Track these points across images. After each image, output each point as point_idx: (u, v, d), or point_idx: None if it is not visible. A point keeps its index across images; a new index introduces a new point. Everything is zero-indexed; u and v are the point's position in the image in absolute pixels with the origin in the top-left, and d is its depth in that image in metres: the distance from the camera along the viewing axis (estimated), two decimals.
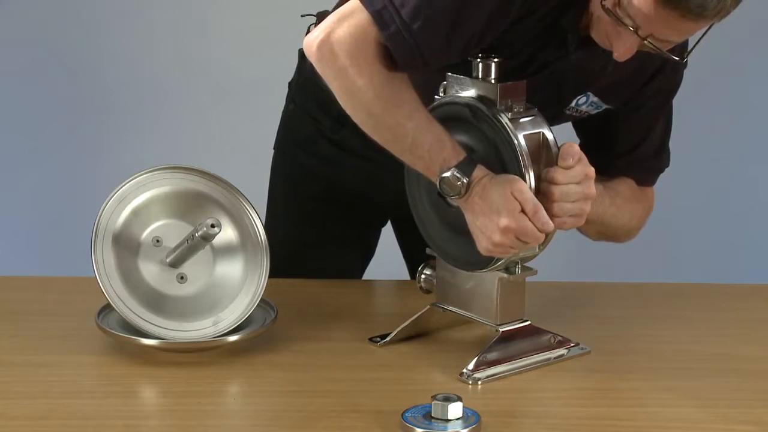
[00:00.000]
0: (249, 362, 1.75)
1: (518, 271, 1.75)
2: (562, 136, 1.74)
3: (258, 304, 1.80)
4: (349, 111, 1.70)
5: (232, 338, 1.76)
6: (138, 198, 1.80)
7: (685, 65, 1.85)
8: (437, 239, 1.79)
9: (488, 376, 1.71)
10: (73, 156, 3.58)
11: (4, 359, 1.75)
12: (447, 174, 1.64)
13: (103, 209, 1.78)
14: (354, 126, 1.71)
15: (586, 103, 1.83)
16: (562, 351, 1.80)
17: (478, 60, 1.71)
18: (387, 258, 2.25)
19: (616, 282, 2.18)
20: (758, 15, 3.45)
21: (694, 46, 1.69)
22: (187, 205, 1.82)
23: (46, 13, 3.52)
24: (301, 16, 2.05)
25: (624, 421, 1.60)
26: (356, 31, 1.66)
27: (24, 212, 3.59)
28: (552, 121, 1.76)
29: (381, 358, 1.78)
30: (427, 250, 1.82)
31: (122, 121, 3.59)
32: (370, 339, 1.83)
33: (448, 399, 1.52)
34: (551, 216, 1.66)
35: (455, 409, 1.51)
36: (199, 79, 3.56)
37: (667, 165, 1.96)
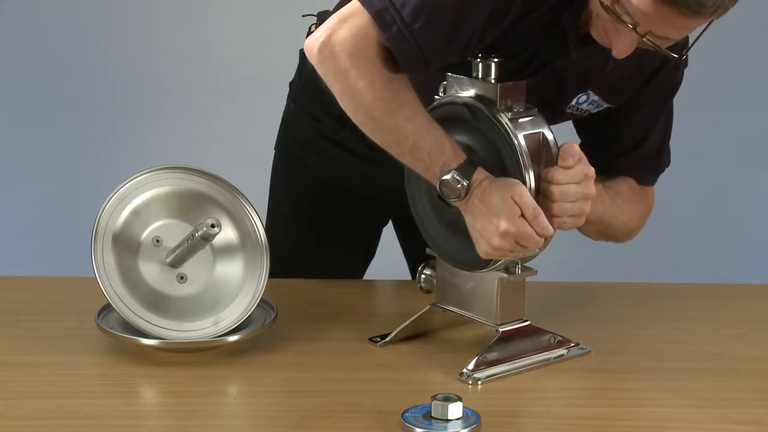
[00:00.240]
0: (249, 362, 1.75)
1: (518, 271, 1.75)
2: (563, 136, 1.74)
3: (258, 304, 1.80)
4: (349, 113, 1.70)
5: (232, 338, 1.76)
6: (138, 198, 1.80)
7: (685, 64, 1.85)
8: (437, 239, 1.79)
9: (488, 376, 1.71)
10: (73, 156, 3.58)
11: (4, 359, 1.75)
12: (447, 177, 1.64)
13: (103, 209, 1.78)
14: (355, 126, 1.71)
15: (586, 101, 1.84)
16: (562, 351, 1.80)
17: (478, 60, 1.71)
18: (388, 258, 2.25)
19: (616, 282, 2.18)
20: (759, 15, 3.46)
21: (693, 44, 1.69)
22: (187, 205, 1.82)
23: (47, 14, 3.52)
24: (303, 16, 2.05)
25: (624, 421, 1.60)
26: (357, 32, 1.65)
27: (24, 212, 3.59)
28: (552, 119, 1.76)
29: (381, 358, 1.78)
30: (427, 250, 1.82)
31: (122, 121, 3.59)
32: (370, 339, 1.83)
33: (448, 399, 1.52)
34: (551, 216, 1.66)
35: (455, 409, 1.51)
36: (199, 79, 3.56)
37: (668, 164, 1.96)
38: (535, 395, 1.70)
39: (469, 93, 1.72)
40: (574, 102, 1.83)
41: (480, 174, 1.65)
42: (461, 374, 1.70)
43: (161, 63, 3.56)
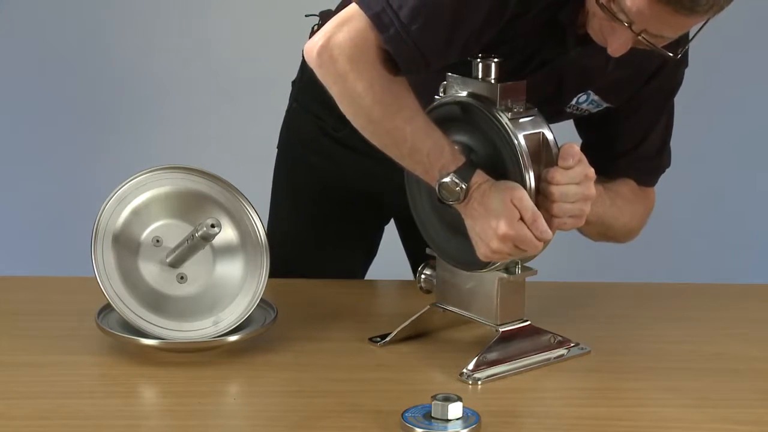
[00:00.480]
0: (249, 362, 1.75)
1: (518, 271, 1.75)
2: (563, 136, 1.74)
3: (258, 304, 1.80)
4: (349, 116, 1.70)
5: (232, 338, 1.76)
6: (138, 198, 1.80)
7: (685, 64, 1.85)
8: (437, 239, 1.79)
9: (488, 376, 1.71)
10: (74, 156, 3.58)
11: (4, 359, 1.75)
12: (446, 180, 1.64)
13: (103, 209, 1.78)
14: None
15: (586, 101, 1.84)
16: (562, 351, 1.80)
17: (478, 60, 1.71)
18: (389, 258, 2.25)
19: (616, 282, 2.18)
20: (756, 15, 3.46)
21: (689, 43, 1.69)
22: (187, 205, 1.82)
23: (47, 14, 3.52)
24: (306, 16, 2.05)
25: (624, 421, 1.60)
26: (356, 35, 1.66)
27: (24, 212, 3.59)
28: (553, 119, 1.76)
29: (381, 358, 1.78)
30: (427, 250, 1.82)
31: (122, 121, 3.59)
32: (370, 339, 1.83)
33: (448, 399, 1.52)
34: (551, 216, 1.66)
35: (455, 409, 1.51)
36: (199, 79, 3.56)
37: (668, 165, 1.96)
38: (535, 395, 1.70)
39: (470, 93, 1.72)
40: (574, 101, 1.83)
41: (479, 177, 1.65)
42: (461, 374, 1.70)
43: (161, 63, 3.56)
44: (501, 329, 1.76)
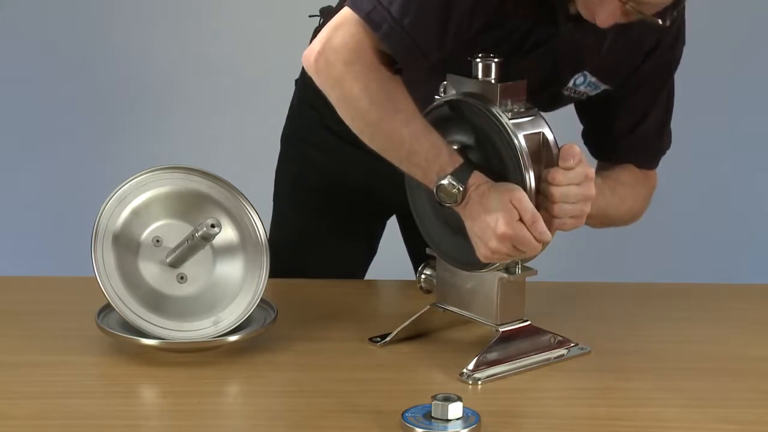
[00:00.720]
0: (249, 362, 1.75)
1: (518, 271, 1.75)
2: (561, 126, 1.73)
3: (258, 304, 1.80)
4: (347, 120, 1.71)
5: (232, 338, 1.76)
6: (138, 198, 1.80)
7: (682, 41, 1.85)
8: (437, 239, 1.79)
9: (488, 376, 1.71)
10: (73, 156, 3.58)
11: (4, 359, 1.75)
12: (443, 182, 1.64)
13: (103, 209, 1.78)
14: None
15: (584, 83, 1.83)
16: (562, 351, 1.80)
17: (478, 60, 1.71)
18: (389, 258, 2.25)
19: (616, 282, 2.18)
20: (758, 15, 3.46)
21: (678, 9, 1.68)
22: (187, 205, 1.82)
23: (47, 14, 3.52)
24: (309, 16, 2.06)
25: (624, 421, 1.60)
26: (350, 39, 1.67)
27: (24, 212, 3.59)
28: (552, 103, 1.77)
29: (381, 358, 1.78)
30: (427, 250, 1.82)
31: (122, 121, 3.59)
32: (370, 339, 1.83)
33: (448, 399, 1.52)
34: (551, 217, 1.66)
35: (455, 409, 1.51)
36: (199, 80, 3.57)
37: (669, 146, 1.95)
38: (535, 395, 1.70)
39: (469, 93, 1.72)
40: (571, 84, 1.83)
41: (477, 178, 1.65)
42: (461, 374, 1.70)
43: (162, 63, 3.56)
44: (501, 329, 1.76)
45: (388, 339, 1.82)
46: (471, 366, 1.71)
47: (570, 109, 1.94)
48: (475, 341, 1.81)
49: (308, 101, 2.11)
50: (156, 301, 1.76)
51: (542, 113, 1.72)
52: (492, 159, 1.69)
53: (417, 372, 1.74)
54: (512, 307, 1.77)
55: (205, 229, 1.75)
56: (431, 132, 1.68)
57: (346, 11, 1.69)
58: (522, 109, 1.69)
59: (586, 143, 1.94)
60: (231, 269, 1.81)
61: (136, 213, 1.80)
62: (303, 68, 2.12)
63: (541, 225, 1.63)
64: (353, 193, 2.10)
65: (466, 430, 1.51)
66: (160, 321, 1.74)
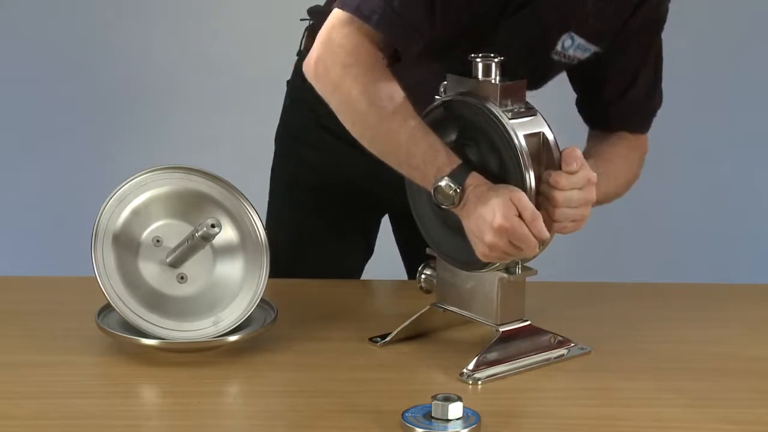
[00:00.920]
0: (249, 362, 1.75)
1: (518, 271, 1.75)
2: (560, 124, 1.73)
3: (258, 304, 1.80)
4: (348, 126, 1.72)
5: (232, 338, 1.76)
6: (138, 198, 1.80)
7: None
8: (437, 239, 1.79)
9: (488, 376, 1.71)
10: (73, 156, 3.58)
11: (4, 359, 1.75)
12: (441, 183, 1.64)
13: (103, 209, 1.78)
14: None
15: (572, 46, 1.84)
16: (562, 351, 1.80)
17: (478, 60, 1.71)
18: (387, 258, 2.25)
19: (616, 282, 2.18)
20: (759, 13, 3.46)
21: None
22: (187, 205, 1.82)
23: (47, 14, 3.52)
24: (301, 20, 2.07)
25: (624, 421, 1.60)
26: (346, 40, 1.69)
27: (24, 212, 3.59)
28: (543, 70, 1.78)
29: (381, 358, 1.78)
30: (427, 250, 1.82)
31: (122, 121, 3.59)
32: (370, 339, 1.83)
33: (448, 399, 1.52)
34: (552, 221, 1.66)
35: (455, 409, 1.51)
36: (199, 80, 3.57)
37: (660, 105, 1.96)
38: (535, 395, 1.70)
39: (469, 93, 1.72)
40: (559, 47, 1.83)
41: (475, 179, 1.65)
42: (461, 374, 1.70)
43: (161, 63, 3.56)
44: (501, 329, 1.76)
45: (388, 339, 1.82)
46: (471, 366, 1.71)
47: (569, 106, 1.94)
48: (475, 341, 1.81)
49: (300, 99, 2.11)
50: (156, 301, 1.76)
51: (543, 115, 1.72)
52: (492, 159, 1.69)
53: (417, 372, 1.74)
54: (512, 307, 1.77)
55: (205, 229, 1.75)
56: (429, 134, 1.68)
57: (336, 13, 1.71)
58: (522, 109, 1.69)
59: (579, 111, 1.96)
60: (231, 269, 1.81)
61: (136, 213, 1.80)
62: (294, 69, 2.14)
63: (541, 224, 1.62)
64: (349, 190, 2.10)
65: (466, 430, 1.51)
66: (160, 321, 1.74)
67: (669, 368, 1.77)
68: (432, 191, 1.65)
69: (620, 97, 1.91)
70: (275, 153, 2.19)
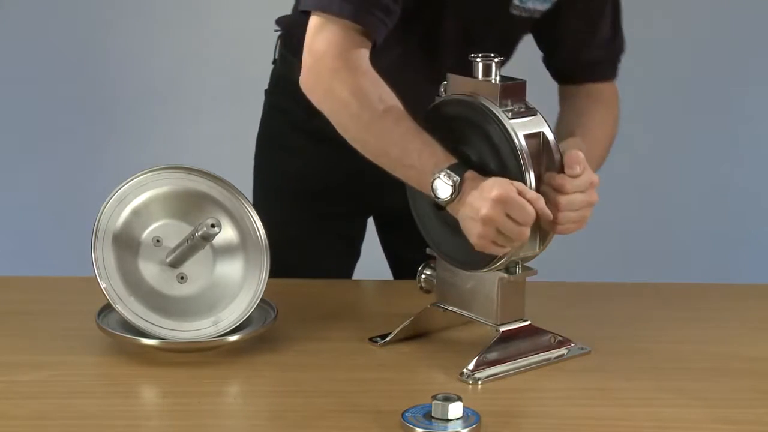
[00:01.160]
0: (249, 362, 1.75)
1: (518, 271, 1.75)
2: (554, 110, 1.73)
3: (258, 304, 1.80)
4: (342, 131, 1.73)
5: (232, 338, 1.76)
6: (138, 198, 1.80)
7: None
8: (437, 239, 1.79)
9: (488, 376, 1.71)
10: (73, 156, 3.58)
11: (4, 359, 1.75)
12: (440, 175, 1.63)
13: (103, 209, 1.78)
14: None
15: None
16: (562, 351, 1.80)
17: (479, 60, 1.71)
18: (383, 260, 2.25)
19: (616, 282, 2.18)
20: (758, 14, 3.46)
21: None
22: (187, 205, 1.82)
23: (47, 14, 3.52)
24: (275, 31, 2.09)
25: (624, 421, 1.60)
26: (328, 45, 1.72)
27: (24, 212, 3.59)
28: (508, 34, 1.84)
29: (381, 358, 1.78)
30: (427, 250, 1.82)
31: (122, 121, 3.59)
32: (370, 339, 1.83)
33: (448, 399, 1.52)
34: (554, 224, 1.66)
35: (455, 409, 1.51)
36: (199, 80, 3.56)
37: (623, 50, 1.99)
38: (535, 395, 1.70)
39: (469, 93, 1.72)
40: (517, 0, 1.86)
41: (472, 173, 1.64)
42: (461, 374, 1.70)
43: (161, 63, 3.56)
44: (501, 329, 1.76)
45: (388, 339, 1.82)
46: (471, 366, 1.71)
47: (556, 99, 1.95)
48: (475, 341, 1.81)
49: (275, 105, 2.14)
50: (156, 301, 1.76)
51: (542, 113, 1.72)
52: (492, 159, 1.68)
53: (417, 372, 1.74)
54: (512, 307, 1.77)
55: (205, 229, 1.75)
56: (422, 133, 1.68)
57: (311, 22, 1.74)
58: (522, 109, 1.69)
59: (547, 68, 2.00)
60: (231, 269, 1.81)
61: (136, 213, 1.80)
62: (270, 78, 2.16)
63: (543, 204, 1.61)
64: (330, 194, 2.10)
65: (466, 430, 1.51)
66: (160, 321, 1.75)
67: (669, 368, 1.77)
68: (430, 184, 1.65)
69: (585, 45, 1.95)
70: (255, 159, 2.20)
